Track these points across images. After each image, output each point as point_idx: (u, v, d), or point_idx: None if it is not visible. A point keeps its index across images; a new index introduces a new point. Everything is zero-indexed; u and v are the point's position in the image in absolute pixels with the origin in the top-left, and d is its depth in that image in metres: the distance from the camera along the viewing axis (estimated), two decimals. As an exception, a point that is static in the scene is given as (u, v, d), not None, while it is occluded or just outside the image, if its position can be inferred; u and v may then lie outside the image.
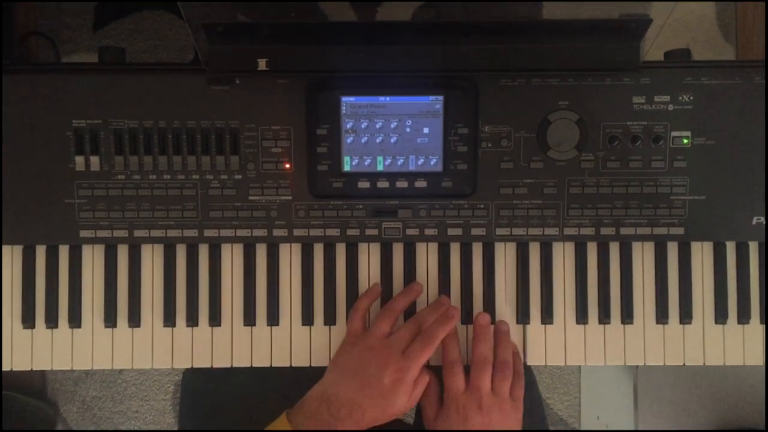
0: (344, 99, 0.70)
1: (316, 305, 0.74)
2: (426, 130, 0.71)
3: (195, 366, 0.74)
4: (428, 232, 0.73)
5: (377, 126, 0.71)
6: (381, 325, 0.69)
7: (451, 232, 0.73)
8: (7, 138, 0.70)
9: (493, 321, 0.74)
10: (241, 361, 0.74)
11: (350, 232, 0.73)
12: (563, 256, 0.74)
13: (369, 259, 0.75)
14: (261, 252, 0.74)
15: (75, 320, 0.73)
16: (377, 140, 0.71)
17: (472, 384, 0.69)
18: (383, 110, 0.70)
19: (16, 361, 0.74)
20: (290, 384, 0.85)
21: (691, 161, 0.72)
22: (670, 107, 0.71)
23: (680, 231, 0.73)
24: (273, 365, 0.74)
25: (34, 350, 0.74)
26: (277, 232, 0.72)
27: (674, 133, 0.71)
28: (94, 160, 0.71)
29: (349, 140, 0.71)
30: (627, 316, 0.74)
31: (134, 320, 0.73)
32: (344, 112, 0.70)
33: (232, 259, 0.74)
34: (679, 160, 0.72)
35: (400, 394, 0.67)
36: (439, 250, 0.74)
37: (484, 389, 0.68)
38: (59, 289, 0.73)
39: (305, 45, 0.68)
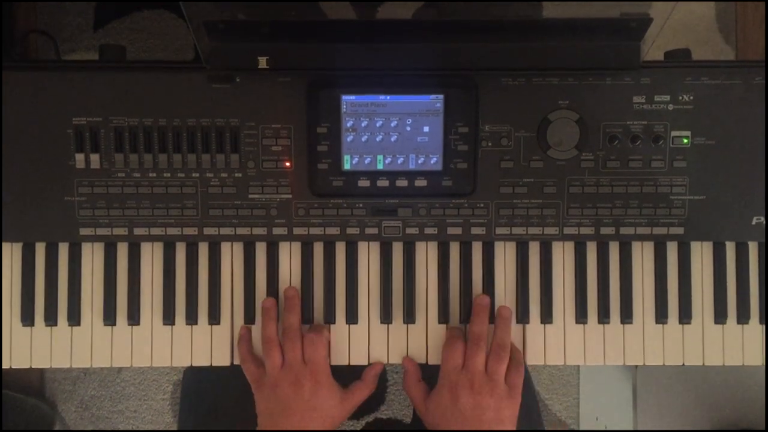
0: (345, 97, 0.70)
1: (316, 304, 0.74)
2: (426, 129, 0.71)
3: (194, 364, 0.74)
4: (428, 231, 0.73)
5: (377, 124, 0.71)
6: (272, 359, 0.70)
7: (450, 231, 0.73)
8: (8, 135, 0.70)
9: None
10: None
11: (350, 230, 0.73)
12: (563, 256, 0.75)
13: (368, 258, 0.75)
14: (261, 250, 0.74)
15: (74, 318, 0.73)
16: (377, 139, 0.71)
17: (465, 362, 0.69)
18: (383, 109, 0.70)
19: (15, 359, 0.73)
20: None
21: (691, 161, 0.72)
22: (670, 107, 0.71)
23: (680, 231, 0.73)
24: (272, 364, 0.74)
25: (34, 348, 0.74)
26: (276, 231, 0.72)
27: (674, 133, 0.72)
28: (94, 157, 0.71)
29: (349, 139, 0.71)
30: (626, 316, 0.74)
31: (134, 318, 0.73)
32: (344, 110, 0.70)
33: (231, 257, 0.74)
34: (679, 160, 0.72)
35: (327, 395, 0.69)
36: (439, 250, 0.74)
37: (476, 368, 0.68)
38: (58, 286, 0.73)
39: (306, 43, 0.68)
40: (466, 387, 0.68)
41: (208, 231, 0.72)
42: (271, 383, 0.69)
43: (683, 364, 0.75)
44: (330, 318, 0.74)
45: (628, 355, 0.75)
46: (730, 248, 0.74)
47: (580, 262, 0.74)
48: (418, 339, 0.74)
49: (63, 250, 0.73)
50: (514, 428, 0.69)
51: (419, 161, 0.71)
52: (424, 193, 0.72)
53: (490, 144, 0.72)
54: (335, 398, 0.70)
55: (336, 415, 0.70)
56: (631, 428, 1.15)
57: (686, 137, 0.72)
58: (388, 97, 0.70)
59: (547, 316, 0.74)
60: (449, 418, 0.68)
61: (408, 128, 0.71)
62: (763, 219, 0.73)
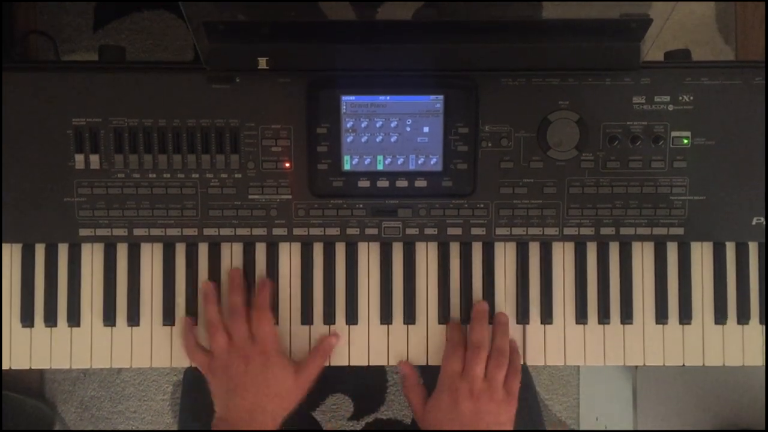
0: (344, 98, 0.70)
1: (316, 304, 0.74)
2: (426, 130, 0.71)
3: (194, 365, 0.74)
4: (428, 231, 0.73)
5: (377, 125, 0.71)
6: (218, 341, 0.70)
7: (450, 231, 0.73)
8: (7, 136, 0.70)
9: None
10: (241, 361, 0.74)
11: (350, 231, 0.73)
12: (563, 256, 0.74)
13: (368, 259, 0.74)
14: (260, 251, 0.74)
15: (74, 319, 0.73)
16: (377, 139, 0.71)
17: (465, 369, 0.69)
18: (383, 109, 0.70)
19: (15, 360, 0.73)
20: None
21: (691, 161, 0.72)
22: (670, 107, 0.71)
23: (680, 231, 0.73)
24: (272, 364, 0.74)
25: (33, 349, 0.73)
26: (276, 231, 0.72)
27: (674, 134, 0.72)
28: (94, 158, 0.71)
29: (349, 139, 0.71)
30: (626, 317, 0.74)
31: (133, 319, 0.73)
32: (344, 111, 0.70)
33: (231, 258, 0.74)
34: (679, 161, 0.72)
35: (280, 367, 0.69)
36: (439, 250, 0.74)
37: (476, 375, 0.69)
38: (58, 287, 0.73)
39: (306, 44, 0.68)
40: (465, 392, 0.68)
41: (208, 232, 0.72)
42: (222, 364, 0.69)
43: (683, 365, 0.75)
44: (330, 319, 0.74)
45: (628, 355, 0.75)
46: (730, 248, 0.74)
47: (580, 262, 0.74)
48: (419, 340, 0.74)
49: (63, 250, 0.73)
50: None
51: (419, 162, 0.71)
52: (424, 194, 0.72)
53: (490, 144, 0.72)
54: (288, 372, 0.70)
55: (291, 388, 0.70)
56: (630, 428, 1.15)
57: (686, 137, 0.72)
58: (388, 98, 0.70)
59: (547, 317, 0.74)
60: (448, 422, 0.68)
61: (408, 129, 0.71)
62: (763, 219, 0.73)
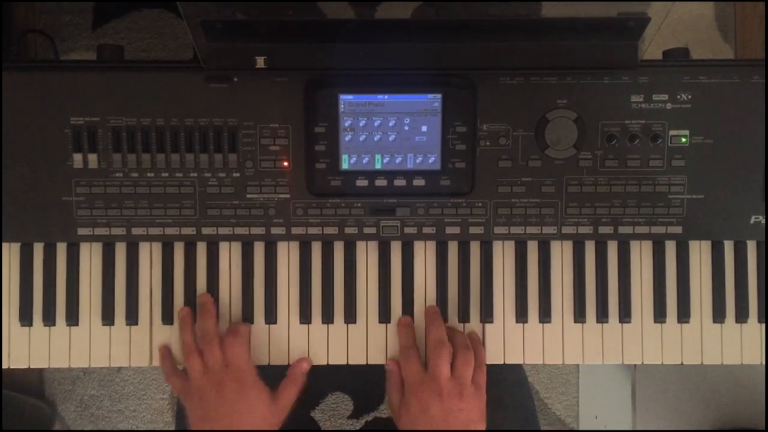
0: (342, 97, 0.70)
1: (314, 303, 0.74)
2: (424, 129, 0.71)
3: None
4: (426, 230, 0.73)
5: (375, 124, 0.71)
6: (192, 365, 0.69)
7: (449, 230, 0.73)
8: (6, 135, 0.70)
9: (490, 320, 0.74)
10: (239, 360, 0.74)
11: (348, 230, 0.73)
12: (561, 255, 0.74)
13: (367, 258, 0.74)
14: (259, 250, 0.74)
15: (72, 318, 0.73)
16: (375, 138, 0.71)
17: (429, 371, 0.67)
18: (381, 108, 0.70)
19: (14, 359, 0.73)
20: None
21: (690, 160, 0.72)
22: (669, 106, 0.71)
23: (678, 230, 0.73)
24: (271, 363, 0.74)
25: (32, 348, 0.74)
26: (275, 231, 0.72)
27: (672, 132, 0.71)
28: (92, 157, 0.71)
29: (347, 138, 0.71)
30: (625, 315, 0.74)
31: (132, 318, 0.73)
32: (342, 110, 0.70)
33: (230, 257, 0.74)
34: (678, 159, 0.72)
35: (254, 396, 0.68)
36: (437, 249, 0.74)
37: (442, 375, 0.67)
38: (57, 286, 0.73)
39: (303, 43, 0.68)
40: (433, 395, 0.66)
41: (206, 231, 0.72)
42: (196, 390, 0.68)
43: (682, 363, 0.75)
44: (328, 318, 0.74)
45: (626, 354, 0.75)
46: (729, 247, 0.74)
47: (579, 261, 0.74)
48: (417, 339, 0.74)
49: (61, 250, 0.73)
50: (485, 426, 0.68)
51: (417, 161, 0.71)
52: (422, 193, 0.72)
53: (488, 143, 0.72)
54: (262, 401, 0.68)
55: (267, 416, 0.68)
56: (630, 427, 1.15)
57: (684, 136, 0.72)
58: (386, 97, 0.70)
59: (545, 316, 0.74)
60: (421, 426, 0.66)
61: (406, 128, 0.71)
62: (761, 218, 0.73)
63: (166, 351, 0.73)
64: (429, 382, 0.67)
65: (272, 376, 0.72)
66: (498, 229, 0.73)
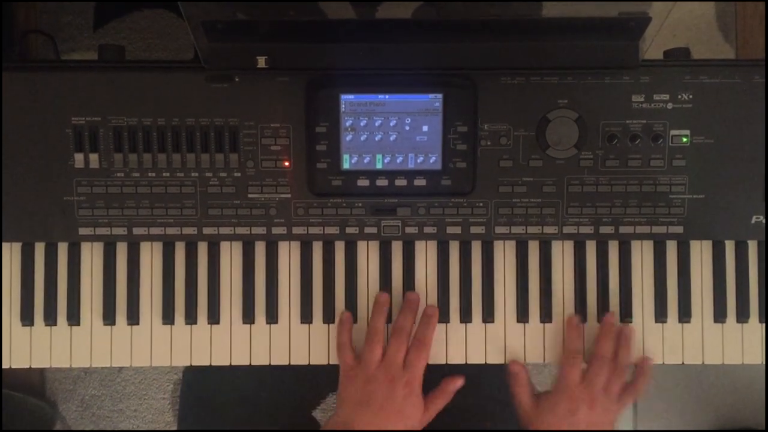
0: (344, 97, 0.70)
1: (315, 303, 0.74)
2: (425, 128, 0.71)
3: (194, 364, 0.74)
4: (427, 230, 0.73)
5: (376, 124, 0.71)
6: (373, 352, 0.70)
7: (450, 230, 0.73)
8: (7, 135, 0.70)
9: (491, 320, 0.74)
10: (240, 359, 0.74)
11: (349, 230, 0.73)
12: (562, 255, 0.74)
13: (368, 258, 0.75)
14: (260, 250, 0.74)
15: (74, 318, 0.73)
16: (376, 138, 0.71)
17: (588, 378, 0.70)
18: (382, 108, 0.70)
19: (15, 359, 0.74)
20: (289, 382, 0.85)
21: (690, 160, 0.72)
22: (670, 106, 0.71)
23: (679, 230, 0.73)
24: (272, 363, 0.74)
25: (33, 348, 0.74)
26: (276, 230, 0.72)
27: (673, 132, 0.71)
28: (94, 157, 0.71)
29: (348, 138, 0.71)
30: (625, 315, 0.74)
31: (133, 318, 0.73)
32: (343, 109, 0.70)
33: (231, 257, 0.74)
34: (679, 159, 0.72)
35: (416, 404, 0.69)
36: (438, 249, 0.74)
37: (598, 386, 0.70)
38: (58, 286, 0.73)
39: (305, 43, 0.68)
40: (586, 402, 0.69)
41: (208, 231, 0.72)
42: (366, 376, 0.69)
43: (683, 363, 0.75)
44: (329, 317, 0.74)
45: (627, 354, 0.75)
46: (730, 247, 0.74)
47: (580, 261, 0.74)
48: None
49: (62, 249, 0.73)
50: None
51: (418, 160, 0.71)
52: (423, 193, 0.72)
53: (489, 143, 0.72)
54: (420, 408, 0.70)
55: (417, 424, 0.71)
56: (630, 428, 1.15)
57: (685, 136, 0.72)
58: (387, 97, 0.70)
59: (546, 315, 0.74)
60: (563, 426, 0.69)
61: (407, 127, 0.71)
62: (762, 218, 0.73)
63: (348, 318, 0.73)
64: (585, 388, 0.70)
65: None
66: (499, 229, 0.73)
